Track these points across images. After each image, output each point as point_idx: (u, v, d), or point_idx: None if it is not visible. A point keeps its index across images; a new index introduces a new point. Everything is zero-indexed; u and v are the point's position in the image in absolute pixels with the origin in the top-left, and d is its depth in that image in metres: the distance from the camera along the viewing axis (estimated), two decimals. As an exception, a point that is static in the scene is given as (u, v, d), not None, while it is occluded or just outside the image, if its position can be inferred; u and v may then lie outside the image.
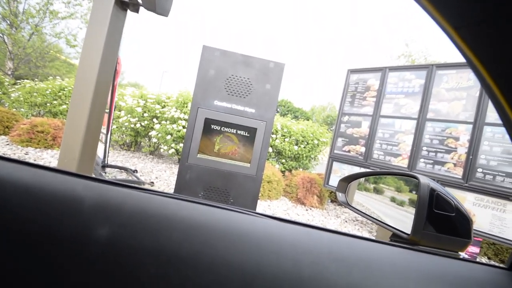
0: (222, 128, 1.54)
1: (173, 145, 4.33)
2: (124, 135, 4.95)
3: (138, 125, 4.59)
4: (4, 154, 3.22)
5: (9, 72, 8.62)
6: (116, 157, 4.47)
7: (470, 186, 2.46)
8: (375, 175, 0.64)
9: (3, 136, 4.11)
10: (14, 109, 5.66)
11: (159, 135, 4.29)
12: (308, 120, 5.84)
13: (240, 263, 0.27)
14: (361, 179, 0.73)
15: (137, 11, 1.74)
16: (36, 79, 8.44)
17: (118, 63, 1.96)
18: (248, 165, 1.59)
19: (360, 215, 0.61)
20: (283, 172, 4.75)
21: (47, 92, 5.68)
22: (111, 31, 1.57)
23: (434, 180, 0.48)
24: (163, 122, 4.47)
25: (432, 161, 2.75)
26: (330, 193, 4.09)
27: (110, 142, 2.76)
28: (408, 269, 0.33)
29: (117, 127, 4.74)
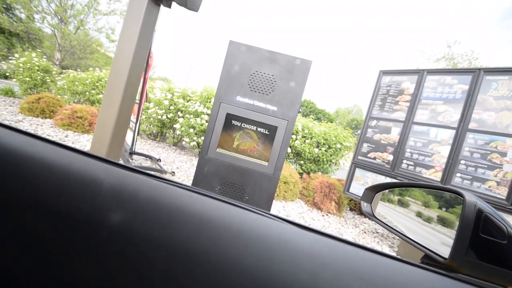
0: (242, 124, 1.54)
1: (195, 138, 4.47)
2: (151, 126, 5.24)
3: (164, 117, 4.82)
4: (44, 135, 3.60)
5: (57, 62, 9.61)
6: (143, 146, 4.75)
7: (516, 209, 2.16)
8: (409, 187, 0.57)
9: (48, 119, 4.59)
10: (59, 96, 6.31)
11: (183, 128, 4.46)
12: (331, 122, 5.61)
13: (252, 267, 0.25)
14: (388, 190, 0.66)
15: (169, 6, 1.80)
16: (78, 70, 9.31)
17: (150, 57, 2.05)
18: (266, 163, 1.57)
19: (388, 229, 0.55)
20: (300, 174, 4.65)
21: (87, 81, 6.22)
22: (145, 25, 1.65)
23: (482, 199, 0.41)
24: (187, 115, 4.63)
25: (471, 177, 2.46)
26: (350, 200, 3.89)
27: (138, 131, 2.93)
28: None
29: (145, 118, 5.03)
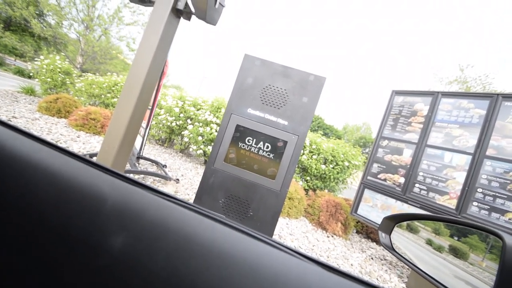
0: (252, 137, 1.51)
1: (202, 146, 4.49)
2: (160, 131, 5.32)
3: (174, 124, 4.89)
4: (57, 133, 3.70)
5: (78, 66, 10.12)
6: (151, 151, 4.80)
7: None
8: (436, 220, 0.52)
9: (63, 119, 4.74)
10: (76, 97, 6.56)
11: (191, 135, 4.49)
12: (339, 139, 5.53)
13: None
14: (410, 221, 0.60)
15: (189, 19, 1.87)
16: (97, 73, 9.75)
17: (165, 65, 2.11)
18: (274, 179, 1.52)
19: (409, 266, 0.49)
20: (306, 190, 4.53)
21: (104, 85, 6.47)
22: (164, 35, 1.70)
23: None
24: (196, 123, 4.69)
25: (489, 207, 2.31)
26: (357, 222, 3.73)
27: (147, 136, 2.97)
28: None
29: (155, 123, 5.12)
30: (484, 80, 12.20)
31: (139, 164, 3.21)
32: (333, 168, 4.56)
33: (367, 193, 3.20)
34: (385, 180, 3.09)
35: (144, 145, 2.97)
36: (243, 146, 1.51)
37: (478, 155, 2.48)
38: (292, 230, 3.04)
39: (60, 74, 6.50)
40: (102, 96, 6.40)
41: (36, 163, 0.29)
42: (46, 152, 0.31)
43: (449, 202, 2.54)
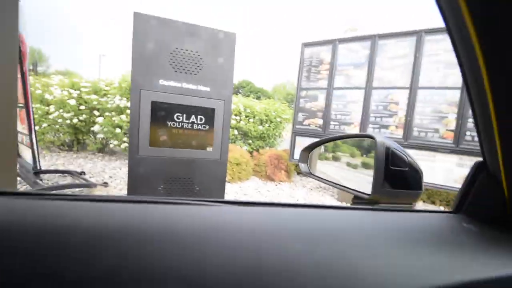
0: (174, 111, 1.38)
1: (125, 138, 3.86)
2: (60, 134, 4.18)
3: (75, 120, 3.90)
4: None
5: None
6: (56, 160, 3.80)
7: (409, 144, 2.85)
8: (333, 140, 0.64)
9: None
10: None
11: (105, 129, 3.75)
12: (270, 99, 5.85)
13: (184, 267, 0.20)
14: (322, 146, 0.72)
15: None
16: None
17: (21, 42, 1.51)
18: (211, 148, 1.49)
19: (323, 182, 0.61)
20: (250, 152, 4.77)
21: None
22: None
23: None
24: (107, 114, 3.89)
25: (379, 126, 3.07)
26: (296, 166, 4.31)
27: (37, 143, 2.27)
28: (371, 230, 0.31)
29: (49, 125, 3.95)
30: (368, 28, 14.80)
31: (41, 180, 2.51)
32: (269, 126, 4.89)
33: (298, 139, 3.66)
34: (309, 125, 3.57)
35: (38, 155, 2.29)
36: (168, 124, 1.37)
37: (368, 88, 3.13)
38: (245, 191, 3.25)
39: None
40: None
41: None
42: None
43: (355, 129, 3.22)
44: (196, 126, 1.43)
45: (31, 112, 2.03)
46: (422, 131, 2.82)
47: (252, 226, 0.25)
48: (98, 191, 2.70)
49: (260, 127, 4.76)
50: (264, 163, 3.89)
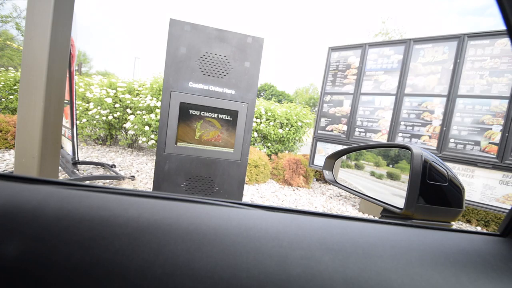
0: (201, 113, 1.43)
1: (152, 136, 4.10)
2: (97, 129, 4.59)
3: (110, 117, 4.25)
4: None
5: None
6: (91, 153, 4.16)
7: (444, 156, 2.61)
8: (364, 148, 0.60)
9: (-50, 138, 3.60)
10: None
11: (135, 126, 4.02)
12: (291, 103, 5.80)
13: (211, 266, 0.21)
14: (348, 154, 0.69)
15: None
16: (-17, 71, 7.43)
17: (72, 45, 1.69)
18: (232, 150, 1.52)
19: (349, 192, 0.58)
20: (269, 155, 4.76)
21: (0, 85, 5.01)
22: (59, 6, 1.33)
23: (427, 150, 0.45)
24: (138, 112, 4.18)
25: (409, 135, 2.87)
26: (315, 172, 4.19)
27: (77, 136, 2.51)
28: (405, 248, 0.29)
29: (87, 121, 4.36)
30: (400, 30, 14.00)
31: (78, 170, 2.77)
32: (289, 130, 4.84)
33: (320, 145, 3.56)
34: (332, 131, 3.46)
35: (77, 148, 2.53)
36: (194, 124, 1.43)
37: (399, 94, 2.94)
38: (262, 193, 3.24)
39: None
40: (3, 100, 4.99)
41: None
42: None
43: (382, 137, 3.04)
44: (221, 127, 1.47)
45: (74, 108, 2.26)
46: (460, 143, 2.56)
47: (279, 233, 0.25)
48: (126, 184, 2.90)
49: (280, 131, 4.73)
50: (282, 167, 3.85)
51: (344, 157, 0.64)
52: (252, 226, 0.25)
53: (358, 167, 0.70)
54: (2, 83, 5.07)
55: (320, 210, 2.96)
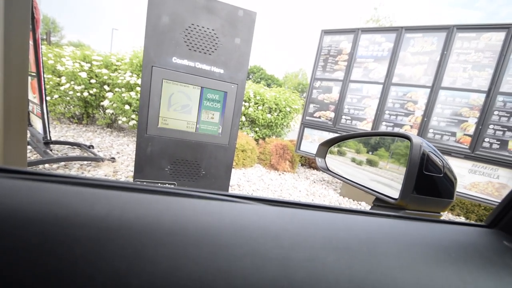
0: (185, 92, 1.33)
1: (133, 116, 3.87)
2: (71, 106, 4.22)
3: (86, 94, 3.91)
4: None
5: None
6: (66, 132, 3.86)
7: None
8: (358, 137, 0.59)
9: None
10: None
11: (114, 105, 3.75)
12: (280, 87, 5.69)
13: (200, 274, 0.17)
14: (340, 142, 0.67)
15: None
16: None
17: (35, 8, 1.45)
18: (220, 134, 1.46)
19: (342, 180, 0.57)
20: (257, 140, 4.74)
21: None
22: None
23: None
24: (117, 89, 3.88)
25: (393, 124, 2.96)
26: (301, 157, 4.27)
27: (48, 113, 2.28)
28: (407, 244, 0.28)
29: (60, 97, 3.98)
30: (391, 18, 13.98)
31: (51, 150, 2.56)
32: (277, 115, 4.80)
33: (307, 131, 3.58)
34: (319, 117, 3.48)
35: (49, 126, 2.32)
36: (179, 104, 1.33)
37: (387, 84, 2.98)
38: (249, 177, 3.26)
39: None
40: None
41: None
42: None
43: (367, 126, 3.11)
44: (206, 109, 1.39)
45: (42, 82, 2.02)
46: (438, 134, 2.70)
47: (279, 231, 0.22)
48: (105, 166, 2.75)
49: (269, 116, 4.68)
50: (269, 152, 3.86)
51: (337, 144, 0.62)
52: (248, 224, 0.22)
53: (340, 153, 0.70)
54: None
55: (304, 193, 3.06)
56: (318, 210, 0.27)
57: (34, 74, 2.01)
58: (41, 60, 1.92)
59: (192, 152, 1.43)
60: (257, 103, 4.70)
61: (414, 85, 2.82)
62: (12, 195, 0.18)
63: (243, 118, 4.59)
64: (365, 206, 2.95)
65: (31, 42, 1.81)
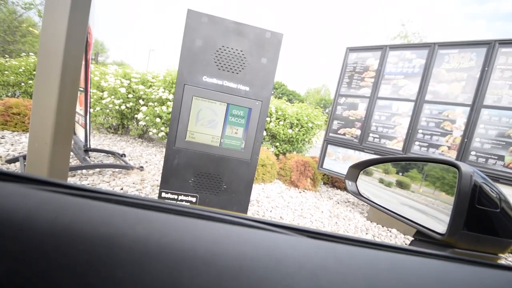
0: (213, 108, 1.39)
1: (163, 128, 4.13)
2: (109, 118, 4.67)
3: (123, 107, 4.31)
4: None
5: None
6: (103, 141, 4.24)
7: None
8: (396, 161, 0.54)
9: (-28, 119, 3.75)
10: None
11: (147, 117, 4.06)
12: (302, 103, 5.69)
13: None
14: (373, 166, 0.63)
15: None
16: (6, 56, 7.71)
17: (89, 33, 1.70)
18: (243, 149, 1.48)
19: (376, 207, 0.52)
20: (277, 155, 4.70)
21: (20, 70, 5.18)
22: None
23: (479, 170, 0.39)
24: (151, 104, 4.21)
25: (427, 144, 2.73)
26: (323, 175, 4.10)
27: (90, 124, 2.55)
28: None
29: (101, 109, 4.44)
30: (421, 34, 13.47)
31: (89, 157, 2.82)
32: (299, 131, 4.75)
33: (330, 148, 3.46)
34: (344, 134, 3.35)
35: (89, 135, 2.57)
36: (206, 119, 1.39)
37: (419, 101, 2.80)
38: (268, 193, 3.20)
39: None
40: (22, 84, 5.17)
41: None
42: None
43: (397, 145, 2.91)
44: (231, 124, 1.43)
45: (88, 96, 2.29)
46: (481, 156, 2.41)
47: (316, 267, 0.20)
48: (134, 174, 2.93)
49: (290, 131, 4.65)
50: (289, 168, 3.78)
51: (370, 168, 0.58)
52: (283, 257, 0.20)
53: (367, 172, 0.65)
54: (23, 67, 5.24)
55: (327, 214, 2.89)
56: (359, 245, 0.25)
57: (82, 89, 2.29)
58: (89, 78, 2.19)
59: (215, 166, 1.46)
60: (278, 118, 4.72)
61: (451, 103, 2.61)
62: (64, 212, 0.19)
63: (264, 133, 4.62)
64: (396, 234, 2.67)
65: (83, 62, 2.09)
